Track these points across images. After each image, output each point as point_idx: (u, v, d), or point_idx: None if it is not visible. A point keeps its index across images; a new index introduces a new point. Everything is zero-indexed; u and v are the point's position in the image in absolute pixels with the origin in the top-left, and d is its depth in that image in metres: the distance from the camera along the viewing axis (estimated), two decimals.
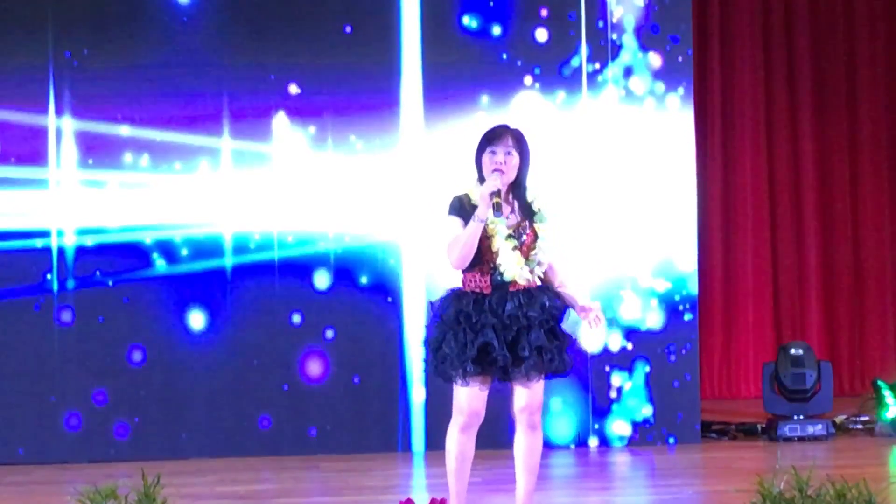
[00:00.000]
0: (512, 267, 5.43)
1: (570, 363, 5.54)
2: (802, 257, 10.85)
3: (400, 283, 8.38)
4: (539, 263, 5.51)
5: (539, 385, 5.51)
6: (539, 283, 5.54)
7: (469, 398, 5.48)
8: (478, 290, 5.47)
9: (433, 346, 5.52)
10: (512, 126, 5.59)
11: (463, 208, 5.48)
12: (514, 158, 5.49)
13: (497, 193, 5.38)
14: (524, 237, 5.50)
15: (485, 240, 5.43)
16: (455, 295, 5.53)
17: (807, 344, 9.11)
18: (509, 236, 5.45)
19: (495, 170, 5.44)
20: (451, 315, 5.46)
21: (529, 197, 5.57)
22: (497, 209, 5.38)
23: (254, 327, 8.43)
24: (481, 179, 5.50)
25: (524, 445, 5.56)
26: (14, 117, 8.33)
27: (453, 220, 5.49)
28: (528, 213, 5.55)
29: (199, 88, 8.41)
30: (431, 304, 5.63)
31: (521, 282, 5.46)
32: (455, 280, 5.59)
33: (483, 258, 5.46)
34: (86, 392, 8.33)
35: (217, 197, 8.44)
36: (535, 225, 5.52)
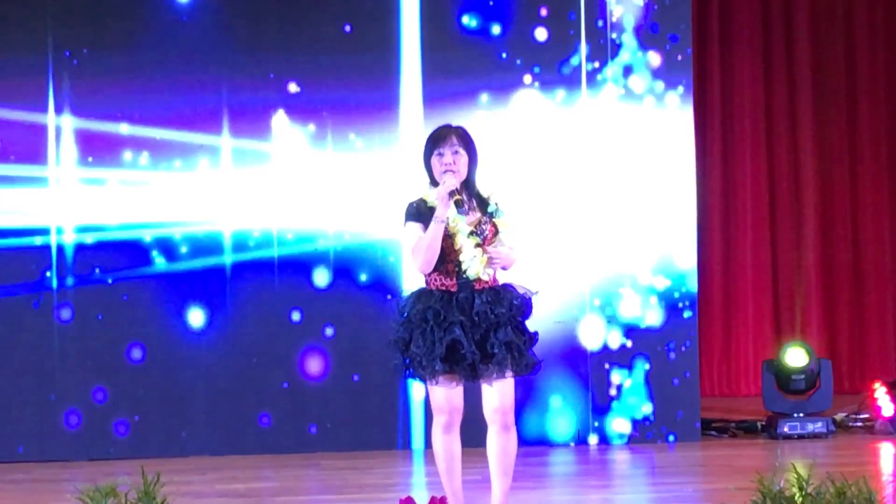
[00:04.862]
0: (475, 264, 5.44)
1: (535, 362, 5.54)
2: (802, 255, 10.85)
3: (399, 281, 8.38)
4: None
5: (509, 384, 5.49)
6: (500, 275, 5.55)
7: (447, 395, 5.49)
8: (444, 289, 5.48)
9: (401, 346, 5.52)
10: (454, 125, 5.62)
11: (420, 213, 5.49)
12: (463, 157, 5.51)
13: (455, 192, 5.41)
14: (485, 233, 5.51)
15: (447, 239, 5.44)
16: (420, 293, 5.53)
17: (807, 344, 9.12)
18: (471, 233, 5.47)
19: (447, 170, 5.46)
20: (418, 313, 5.46)
21: (484, 192, 5.59)
22: (460, 206, 5.41)
23: (253, 325, 8.43)
24: (433, 183, 5.52)
25: (498, 446, 5.51)
26: (14, 115, 8.34)
27: (413, 226, 5.50)
28: (483, 208, 5.56)
29: (198, 86, 8.42)
30: (397, 302, 5.64)
31: (485, 277, 5.47)
32: (419, 280, 5.60)
33: (447, 258, 5.46)
34: (85, 390, 8.34)
35: (217, 195, 8.44)
36: (495, 220, 5.54)
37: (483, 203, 5.57)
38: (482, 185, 5.62)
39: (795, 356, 8.86)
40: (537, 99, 8.56)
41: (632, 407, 8.59)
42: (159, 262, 8.39)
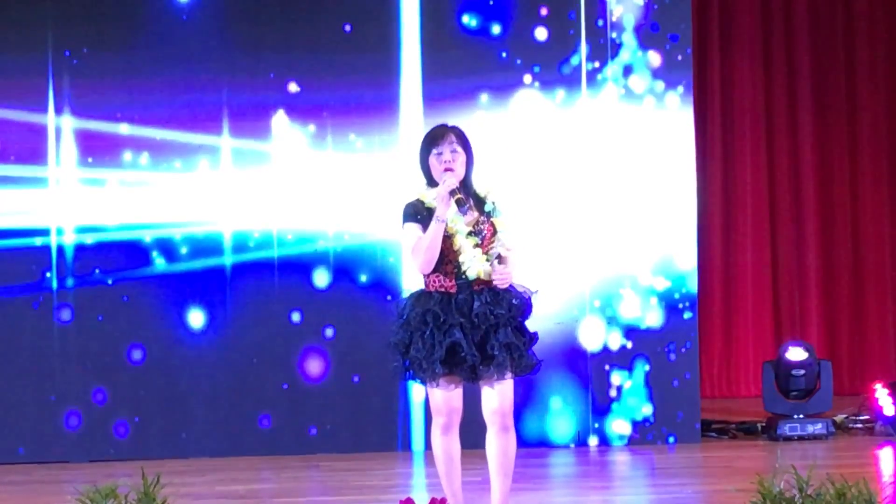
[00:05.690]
0: (475, 264, 5.43)
1: (535, 362, 5.53)
2: (802, 256, 10.85)
3: (399, 282, 8.37)
4: (499, 257, 5.51)
5: (509, 385, 5.48)
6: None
7: (445, 398, 5.48)
8: (443, 290, 5.47)
9: (401, 348, 5.51)
10: (451, 124, 5.62)
11: (418, 214, 5.48)
12: (461, 155, 5.51)
13: (456, 191, 5.40)
14: (484, 232, 5.50)
15: (446, 240, 5.43)
16: (420, 295, 5.52)
17: (807, 343, 9.12)
18: (470, 233, 5.46)
19: (446, 169, 5.46)
20: (417, 315, 5.45)
21: (481, 192, 5.58)
22: (461, 205, 5.40)
23: (253, 326, 8.43)
24: (430, 183, 5.52)
25: (498, 448, 5.50)
26: (14, 116, 8.33)
27: (412, 227, 5.48)
28: (480, 207, 5.55)
29: (198, 87, 8.41)
30: (396, 304, 5.63)
31: (485, 277, 5.45)
32: (418, 282, 5.59)
33: (445, 259, 5.45)
34: (85, 391, 8.33)
35: (217, 195, 8.44)
36: (493, 219, 5.53)
37: (480, 202, 5.57)
38: (478, 184, 5.61)
39: (796, 354, 8.86)
40: (537, 99, 8.55)
41: (632, 408, 8.59)
42: (159, 262, 8.38)
